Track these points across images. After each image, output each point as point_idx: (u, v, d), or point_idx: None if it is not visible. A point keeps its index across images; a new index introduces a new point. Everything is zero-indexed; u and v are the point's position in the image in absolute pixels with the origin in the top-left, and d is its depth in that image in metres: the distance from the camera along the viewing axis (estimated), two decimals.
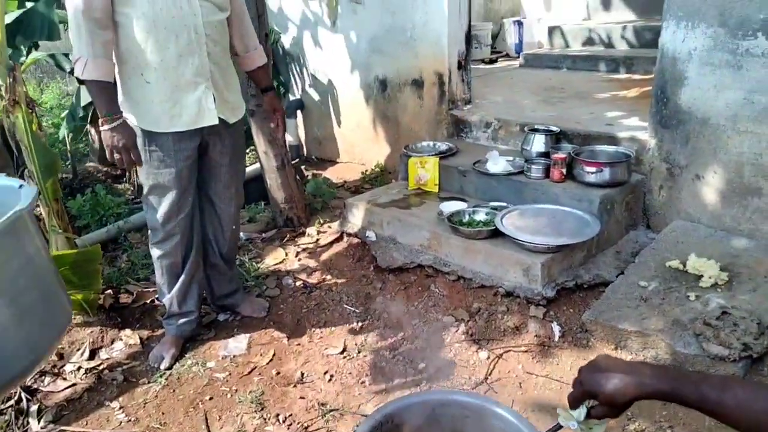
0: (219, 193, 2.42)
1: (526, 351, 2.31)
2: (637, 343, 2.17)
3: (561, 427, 1.11)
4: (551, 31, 5.94)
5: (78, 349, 2.52)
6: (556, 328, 2.38)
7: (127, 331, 2.64)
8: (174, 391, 2.29)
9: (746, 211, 2.54)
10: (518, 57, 5.74)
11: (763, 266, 2.37)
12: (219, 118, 2.20)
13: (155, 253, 2.39)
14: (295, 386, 2.26)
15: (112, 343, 2.58)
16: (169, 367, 2.41)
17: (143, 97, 2.12)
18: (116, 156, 2.12)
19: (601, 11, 6.12)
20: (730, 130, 2.50)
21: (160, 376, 2.37)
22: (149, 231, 2.40)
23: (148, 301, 2.86)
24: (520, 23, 6.23)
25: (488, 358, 2.30)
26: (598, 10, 6.16)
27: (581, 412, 1.05)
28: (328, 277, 2.97)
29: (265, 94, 2.58)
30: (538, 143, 3.03)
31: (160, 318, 2.67)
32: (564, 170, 2.80)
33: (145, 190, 2.28)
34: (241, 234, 3.25)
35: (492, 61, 5.93)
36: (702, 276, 2.33)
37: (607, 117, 3.33)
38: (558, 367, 2.22)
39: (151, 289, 2.90)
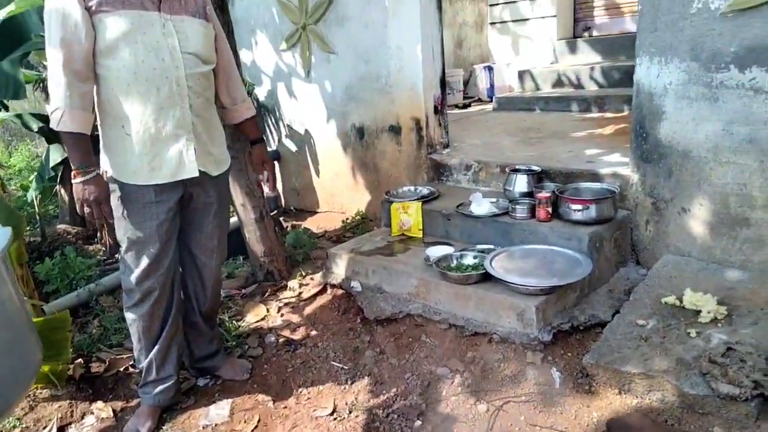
0: (202, 245, 2.32)
1: (527, 401, 2.19)
2: (641, 385, 2.07)
3: None
4: (521, 74, 6.06)
5: (44, 427, 2.32)
6: (557, 374, 2.27)
7: (99, 404, 2.45)
8: None
9: (736, 242, 2.51)
10: (491, 101, 5.82)
11: (761, 297, 2.31)
12: (201, 170, 2.13)
13: (131, 316, 2.25)
14: None
15: (83, 417, 2.39)
16: None
17: (123, 149, 2.05)
18: (86, 210, 2.02)
19: (568, 54, 6.29)
20: (712, 162, 2.49)
21: None
22: (124, 294, 2.26)
23: (121, 369, 2.68)
24: (490, 68, 6.37)
25: (488, 410, 2.17)
26: (564, 54, 6.32)
27: None
28: (314, 332, 2.84)
29: (254, 146, 2.52)
30: (520, 183, 3.00)
31: (135, 387, 2.49)
32: (550, 209, 2.75)
33: (123, 248, 2.16)
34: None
35: (465, 106, 6.01)
36: (700, 311, 2.26)
37: (586, 155, 3.33)
38: (562, 416, 2.10)
39: (126, 356, 2.72)
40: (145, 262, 2.14)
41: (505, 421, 2.12)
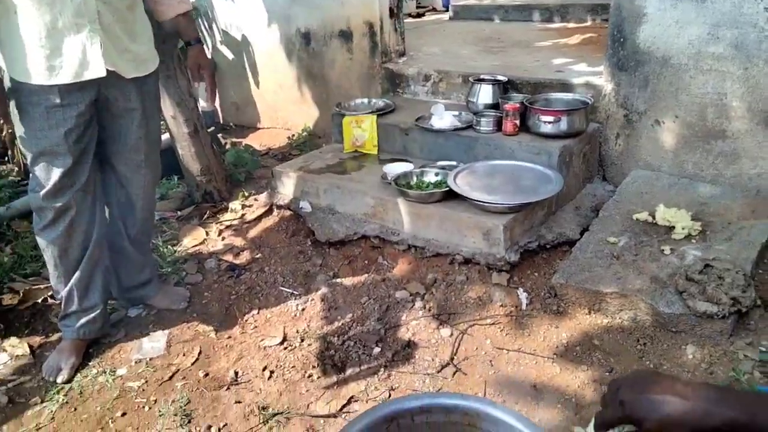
0: (126, 159, 2.02)
1: (493, 324, 2.05)
2: (613, 305, 1.96)
3: None
4: None
5: None
6: (523, 295, 2.13)
7: (14, 340, 2.15)
8: (76, 409, 1.86)
9: (709, 155, 2.39)
10: (446, 10, 5.46)
11: (733, 213, 2.22)
12: (110, 70, 1.80)
13: (43, 240, 1.96)
14: (228, 389, 1.89)
15: None
16: (69, 380, 1.96)
17: (16, 42, 1.72)
18: None
19: None
20: (693, 70, 2.31)
21: (57, 393, 1.92)
22: (34, 214, 1.94)
23: (39, 301, 2.36)
24: None
25: (452, 335, 2.02)
26: None
27: None
28: (259, 256, 2.58)
29: (190, 48, 2.14)
30: (485, 94, 2.74)
31: (55, 320, 2.19)
32: (517, 122, 2.53)
33: (29, 161, 1.86)
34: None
35: (419, 15, 5.62)
36: (674, 227, 2.15)
37: (554, 64, 3.10)
38: (530, 339, 1.97)
39: (43, 286, 2.39)
40: (55, 175, 1.84)
41: (470, 345, 1.98)
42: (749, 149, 2.29)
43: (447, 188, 2.32)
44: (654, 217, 2.22)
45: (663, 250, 2.07)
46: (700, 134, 2.38)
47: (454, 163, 2.56)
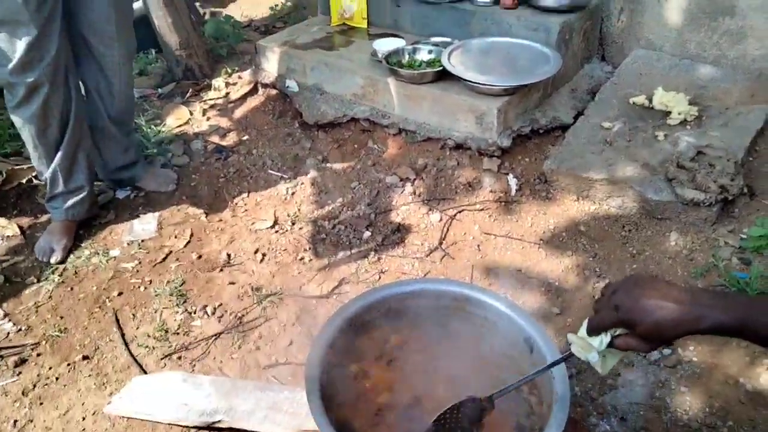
0: (97, 30, 1.91)
1: (481, 209, 2.07)
2: (602, 191, 1.97)
3: (571, 356, 0.86)
4: None
5: None
6: (513, 181, 2.13)
7: (2, 221, 2.15)
8: (72, 289, 1.90)
9: (714, 34, 2.28)
10: None
11: (732, 97, 2.16)
12: None
13: (18, 119, 1.89)
14: (221, 270, 1.93)
15: None
16: (62, 261, 1.99)
17: None
18: None
19: None
20: None
21: (52, 273, 1.95)
22: (5, 91, 1.85)
23: (24, 181, 2.32)
24: None
25: (441, 220, 2.04)
26: None
27: (602, 340, 0.80)
28: (246, 137, 2.52)
29: None
30: None
31: (42, 201, 2.17)
32: None
33: None
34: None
35: None
36: (670, 112, 2.11)
37: None
38: (518, 225, 2.00)
39: (26, 166, 2.34)
40: (21, 48, 1.73)
41: (459, 230, 2.01)
42: (757, 27, 2.18)
43: (440, 68, 2.21)
44: (651, 101, 2.17)
45: (657, 136, 2.05)
46: (707, 10, 2.25)
47: (448, 39, 2.42)
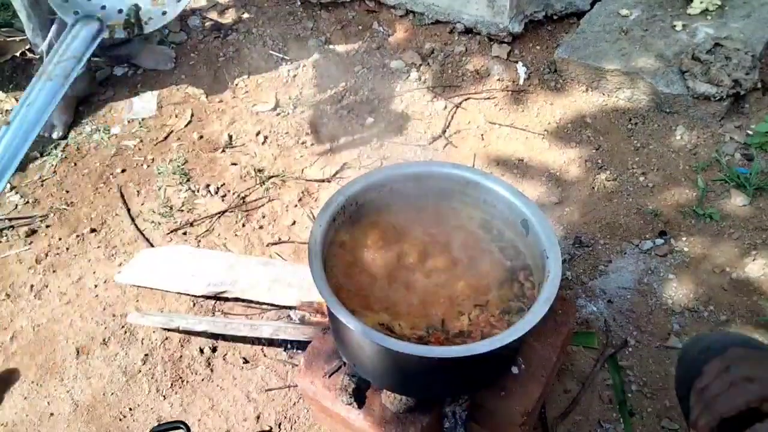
0: None
1: (488, 98, 2.03)
2: (612, 83, 1.92)
3: None
4: None
5: None
6: (522, 70, 2.07)
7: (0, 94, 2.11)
8: (76, 164, 1.91)
9: None
10: None
11: None
12: None
13: None
14: (223, 151, 1.93)
15: None
16: (64, 136, 1.99)
17: None
18: None
19: None
20: None
21: (55, 148, 1.96)
22: None
23: (17, 54, 2.25)
24: None
25: (445, 108, 2.01)
26: None
27: None
28: (246, 15, 2.41)
29: None
30: None
31: None
32: None
33: None
34: None
35: None
36: (692, 0, 2.00)
37: None
38: (523, 115, 1.97)
39: (19, 38, 2.26)
40: None
41: (463, 119, 1.98)
42: None
43: None
44: None
45: (675, 26, 1.96)
46: None
47: None
